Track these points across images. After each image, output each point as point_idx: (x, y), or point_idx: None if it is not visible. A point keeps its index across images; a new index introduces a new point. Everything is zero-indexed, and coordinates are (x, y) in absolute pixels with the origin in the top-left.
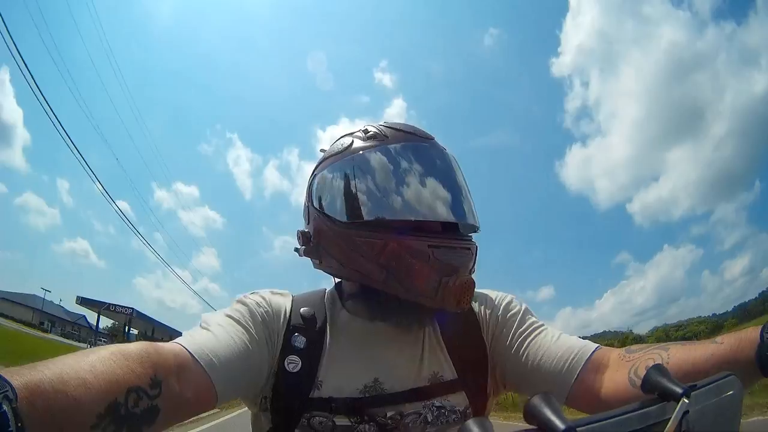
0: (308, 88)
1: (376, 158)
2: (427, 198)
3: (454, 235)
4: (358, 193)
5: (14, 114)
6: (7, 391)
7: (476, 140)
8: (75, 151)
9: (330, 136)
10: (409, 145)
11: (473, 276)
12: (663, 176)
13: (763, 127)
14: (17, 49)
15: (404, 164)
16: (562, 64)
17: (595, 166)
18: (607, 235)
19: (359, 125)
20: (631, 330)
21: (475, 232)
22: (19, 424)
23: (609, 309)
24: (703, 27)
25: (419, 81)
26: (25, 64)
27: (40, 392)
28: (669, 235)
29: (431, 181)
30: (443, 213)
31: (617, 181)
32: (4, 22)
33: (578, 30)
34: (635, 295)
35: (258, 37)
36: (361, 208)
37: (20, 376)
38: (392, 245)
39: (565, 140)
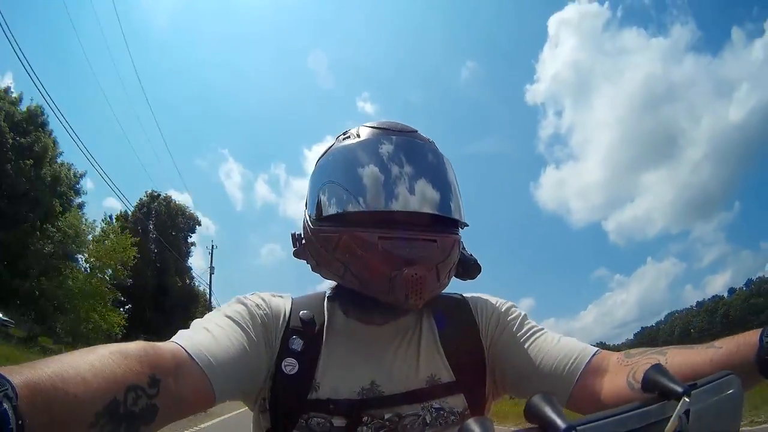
0: (294, 111)
1: (339, 156)
2: (381, 189)
3: (417, 227)
4: (321, 190)
5: None
6: (7, 389)
7: (459, 153)
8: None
9: (315, 154)
10: (372, 140)
11: (444, 272)
12: (638, 198)
13: (741, 151)
14: (23, 54)
15: (363, 158)
16: (536, 91)
17: (570, 188)
18: (585, 250)
19: None
20: None
21: (460, 226)
22: (20, 422)
23: (592, 320)
24: (679, 58)
25: (399, 109)
26: (32, 68)
27: (40, 390)
28: (650, 250)
29: (392, 173)
30: (398, 203)
31: (592, 202)
32: (7, 26)
33: (555, 60)
34: (617, 307)
35: (248, 64)
36: (323, 204)
37: (20, 375)
38: (345, 238)
39: (540, 163)
